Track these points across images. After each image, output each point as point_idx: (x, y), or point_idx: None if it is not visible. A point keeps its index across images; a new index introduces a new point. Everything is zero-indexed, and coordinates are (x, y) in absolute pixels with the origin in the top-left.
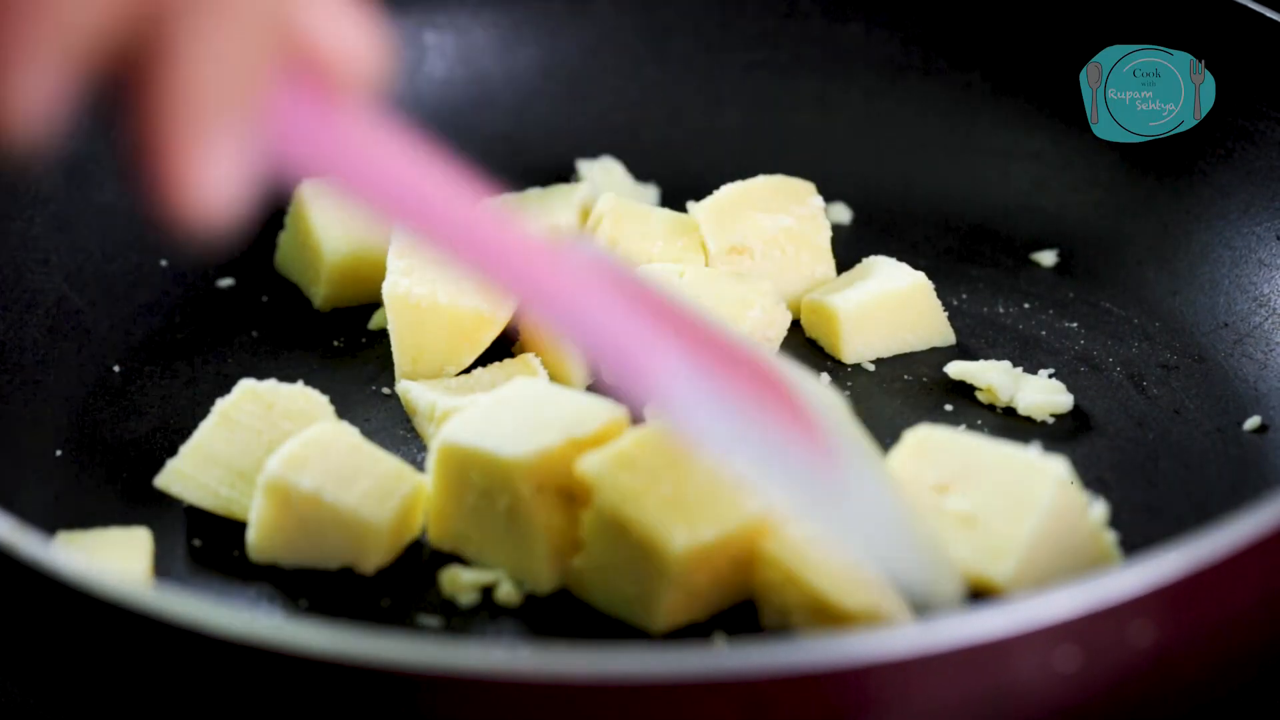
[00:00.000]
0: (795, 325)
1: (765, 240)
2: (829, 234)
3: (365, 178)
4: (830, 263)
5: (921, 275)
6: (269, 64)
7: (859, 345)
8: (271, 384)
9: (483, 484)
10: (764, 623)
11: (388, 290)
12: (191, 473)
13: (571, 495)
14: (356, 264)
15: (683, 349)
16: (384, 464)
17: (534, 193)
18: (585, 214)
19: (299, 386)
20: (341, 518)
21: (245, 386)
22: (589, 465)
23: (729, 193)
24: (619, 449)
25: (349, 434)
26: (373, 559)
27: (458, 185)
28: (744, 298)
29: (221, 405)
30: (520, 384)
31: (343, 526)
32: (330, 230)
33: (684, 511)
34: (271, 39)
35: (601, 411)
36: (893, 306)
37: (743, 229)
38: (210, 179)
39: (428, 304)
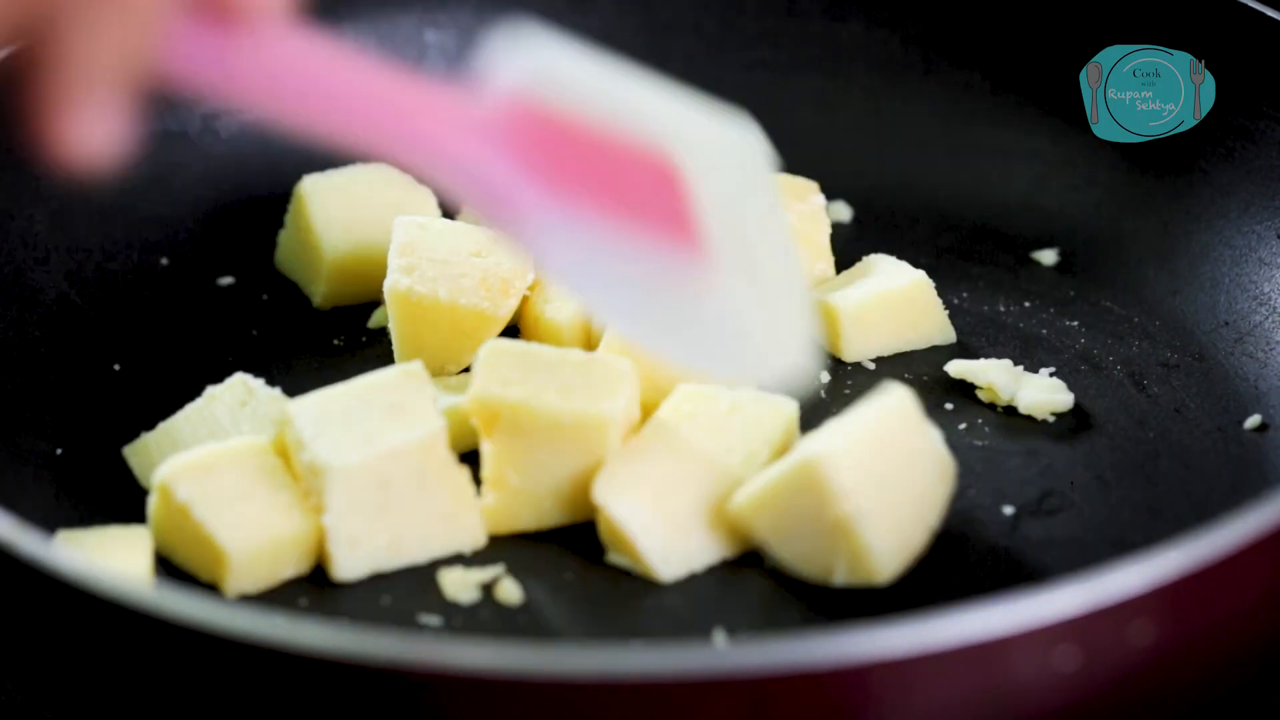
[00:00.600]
0: (842, 362)
1: None
2: (829, 232)
3: (275, 93)
4: (829, 261)
5: (922, 274)
6: (153, 39)
7: (859, 344)
8: (258, 384)
9: (409, 473)
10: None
11: (389, 288)
12: (154, 450)
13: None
14: (356, 262)
15: (555, 183)
16: (280, 497)
17: None
18: None
19: (277, 393)
20: (202, 536)
21: (237, 378)
22: (477, 396)
23: None
24: (488, 376)
25: (266, 457)
26: (230, 584)
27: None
28: None
29: (210, 390)
30: (301, 405)
31: (204, 545)
32: (330, 228)
33: (586, 391)
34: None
35: (413, 372)
36: (893, 305)
37: None
38: (86, 136)
39: (429, 302)
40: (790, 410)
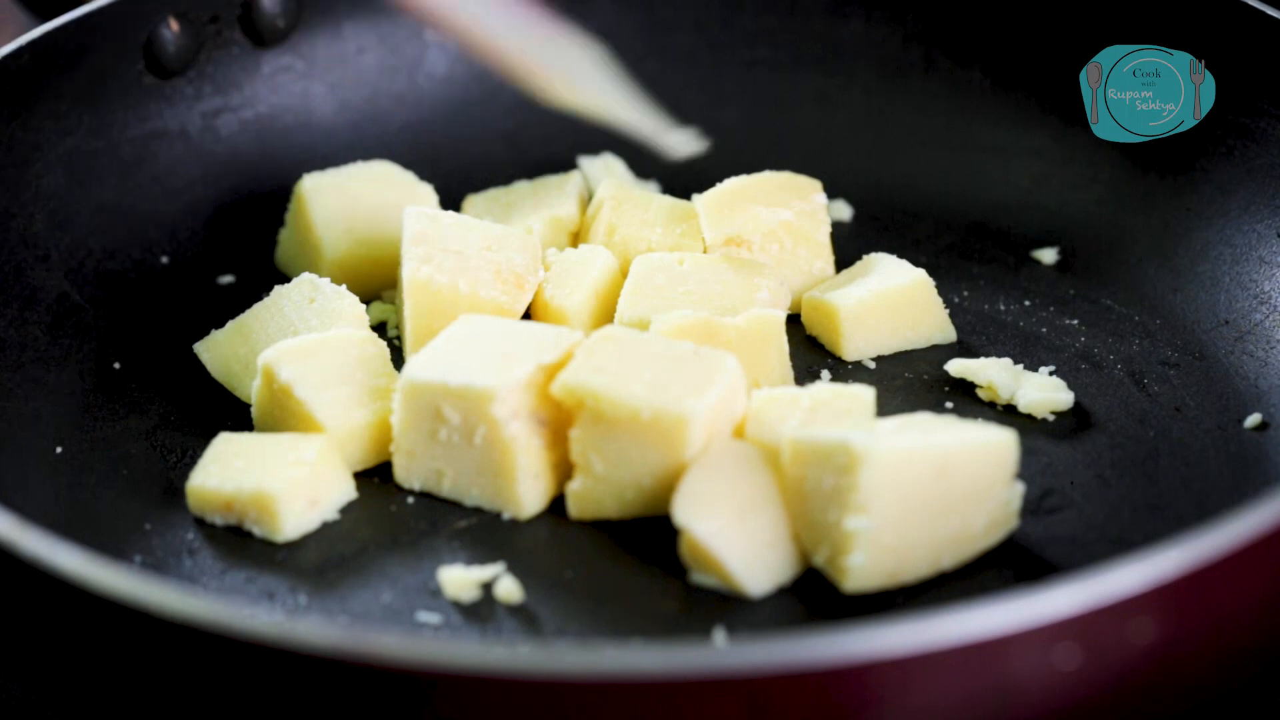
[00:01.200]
0: (795, 321)
1: (763, 233)
2: (829, 230)
3: None
4: (829, 259)
5: (922, 272)
6: None
7: (859, 342)
8: (324, 282)
9: (458, 417)
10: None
11: (409, 276)
12: (224, 344)
13: (544, 420)
14: (356, 260)
15: None
16: (378, 380)
17: (522, 186)
18: (583, 203)
19: (343, 290)
20: (302, 414)
21: (305, 277)
22: (566, 383)
23: (732, 185)
24: (583, 362)
25: (361, 344)
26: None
27: None
28: (750, 280)
29: (278, 289)
30: (469, 319)
31: (303, 423)
32: (330, 226)
33: (677, 386)
34: None
35: (561, 336)
36: (893, 303)
37: (740, 221)
38: None
39: (449, 293)
40: (869, 396)
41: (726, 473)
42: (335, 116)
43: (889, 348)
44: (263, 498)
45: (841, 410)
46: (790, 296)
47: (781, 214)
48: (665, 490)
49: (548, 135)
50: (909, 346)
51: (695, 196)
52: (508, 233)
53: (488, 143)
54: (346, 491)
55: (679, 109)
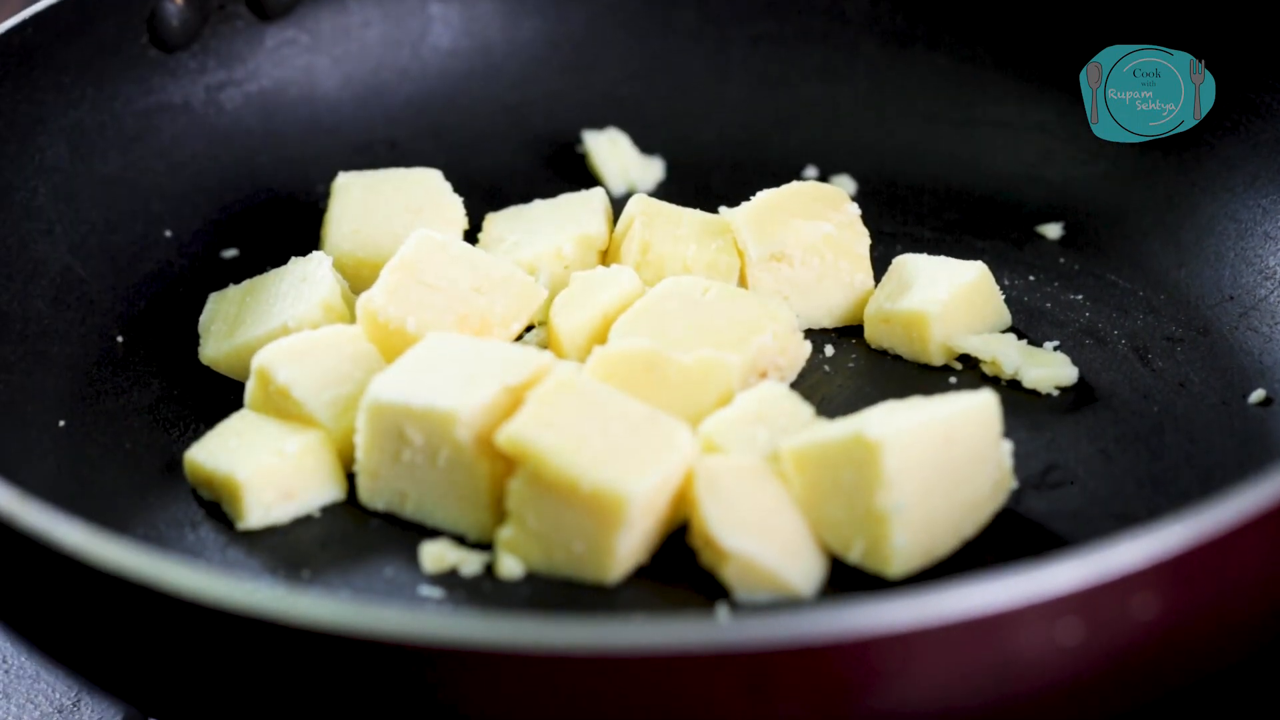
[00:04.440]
0: (847, 334)
1: (805, 248)
2: (869, 243)
3: None
4: (869, 272)
5: (980, 264)
6: None
7: (943, 346)
8: (325, 267)
9: (421, 439)
10: (689, 541)
11: (362, 300)
12: (215, 303)
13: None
14: (355, 263)
15: None
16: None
17: (542, 204)
18: (610, 219)
19: (330, 277)
20: (302, 416)
21: (315, 256)
22: (510, 434)
23: (766, 199)
24: (534, 414)
25: (353, 340)
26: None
27: None
28: (756, 322)
29: (293, 260)
30: (438, 338)
31: (303, 421)
32: (339, 224)
33: (623, 459)
34: None
35: (529, 358)
36: (969, 299)
37: (783, 235)
38: None
39: (395, 328)
40: (783, 390)
41: (739, 489)
42: (339, 90)
43: (964, 345)
44: (231, 483)
45: (782, 413)
46: (805, 345)
47: (823, 227)
48: (593, 558)
49: (552, 109)
50: (974, 335)
51: (724, 210)
52: (511, 279)
53: (492, 116)
54: (332, 492)
55: (684, 84)
